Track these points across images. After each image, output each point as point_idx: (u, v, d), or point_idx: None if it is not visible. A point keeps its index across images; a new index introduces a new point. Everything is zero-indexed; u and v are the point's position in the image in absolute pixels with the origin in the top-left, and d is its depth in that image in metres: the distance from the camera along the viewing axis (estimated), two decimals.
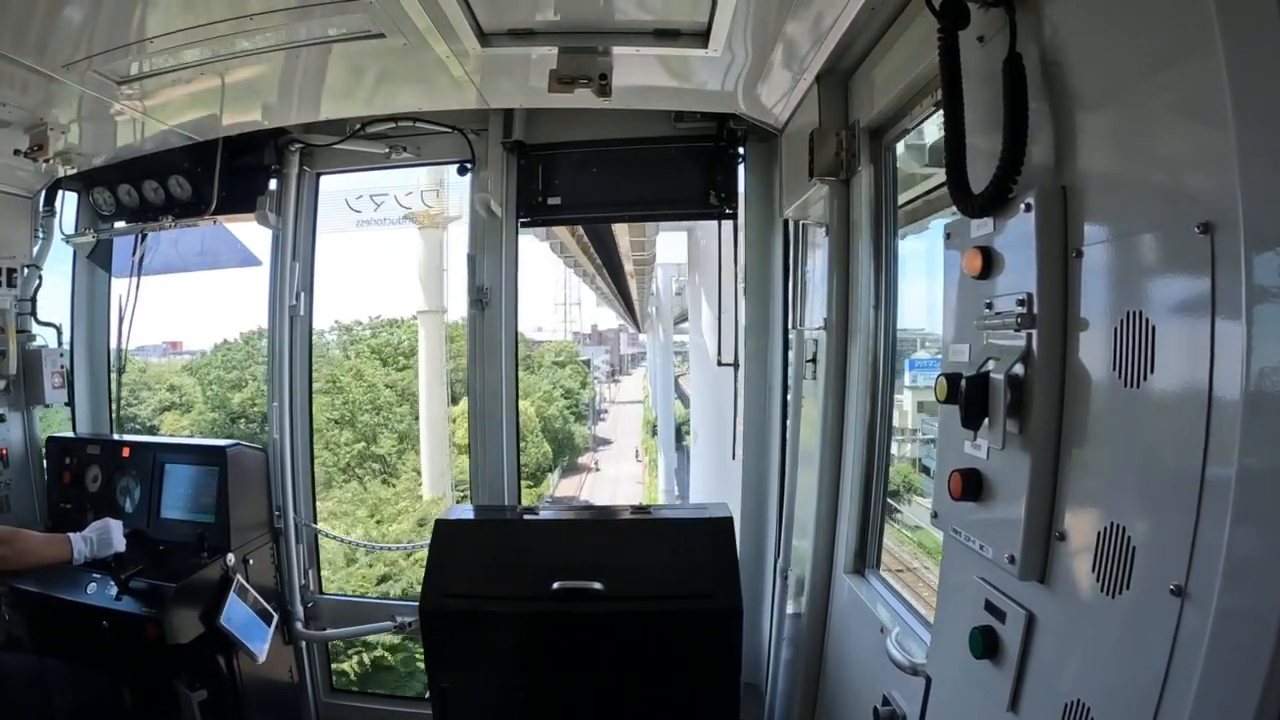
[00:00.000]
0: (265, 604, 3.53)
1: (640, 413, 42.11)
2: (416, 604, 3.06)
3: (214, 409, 20.90)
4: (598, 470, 32.87)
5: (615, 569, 2.92)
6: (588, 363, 39.21)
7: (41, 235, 4.01)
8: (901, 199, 2.77)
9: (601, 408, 43.33)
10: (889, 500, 2.83)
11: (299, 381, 4.04)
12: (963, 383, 1.51)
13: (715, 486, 6.55)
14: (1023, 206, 1.43)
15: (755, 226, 3.77)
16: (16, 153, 3.17)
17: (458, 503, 14.74)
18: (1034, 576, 1.43)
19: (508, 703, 3.05)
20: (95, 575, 3.24)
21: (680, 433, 25.49)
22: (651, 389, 37.80)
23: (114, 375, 4.34)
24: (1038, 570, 1.42)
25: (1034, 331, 1.40)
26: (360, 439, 20.32)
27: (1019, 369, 1.43)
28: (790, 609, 3.31)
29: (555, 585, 2.87)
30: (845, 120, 2.69)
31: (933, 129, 2.57)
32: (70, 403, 4.21)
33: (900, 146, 2.65)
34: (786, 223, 3.59)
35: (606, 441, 37.46)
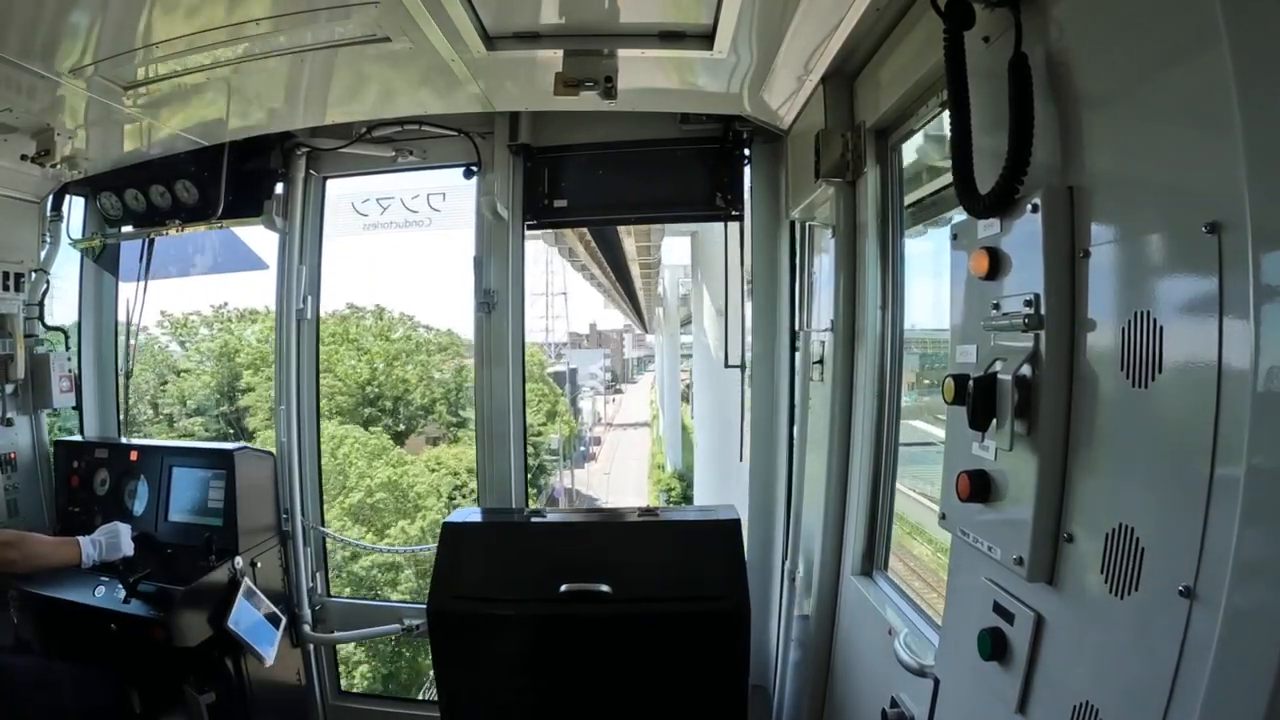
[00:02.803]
0: (273, 607, 3.53)
1: (647, 444, 30.13)
2: (424, 606, 3.06)
3: None
4: None
5: (623, 571, 2.93)
6: (566, 377, 28.60)
7: (49, 240, 4.03)
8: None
9: (592, 435, 31.90)
10: None
11: (306, 384, 4.05)
12: (970, 384, 1.51)
13: None
14: (1029, 207, 1.43)
15: (761, 228, 3.77)
16: (24, 158, 3.18)
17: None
18: (1042, 578, 1.42)
19: (515, 704, 3.06)
20: (103, 578, 3.25)
21: None
22: (662, 416, 28.55)
23: (122, 379, 4.35)
24: (1046, 572, 1.42)
25: (1041, 332, 1.40)
26: None
27: (1026, 370, 1.43)
28: (798, 611, 3.30)
29: (563, 587, 2.88)
30: (851, 121, 2.69)
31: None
32: (78, 407, 4.23)
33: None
34: (793, 224, 3.59)
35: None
